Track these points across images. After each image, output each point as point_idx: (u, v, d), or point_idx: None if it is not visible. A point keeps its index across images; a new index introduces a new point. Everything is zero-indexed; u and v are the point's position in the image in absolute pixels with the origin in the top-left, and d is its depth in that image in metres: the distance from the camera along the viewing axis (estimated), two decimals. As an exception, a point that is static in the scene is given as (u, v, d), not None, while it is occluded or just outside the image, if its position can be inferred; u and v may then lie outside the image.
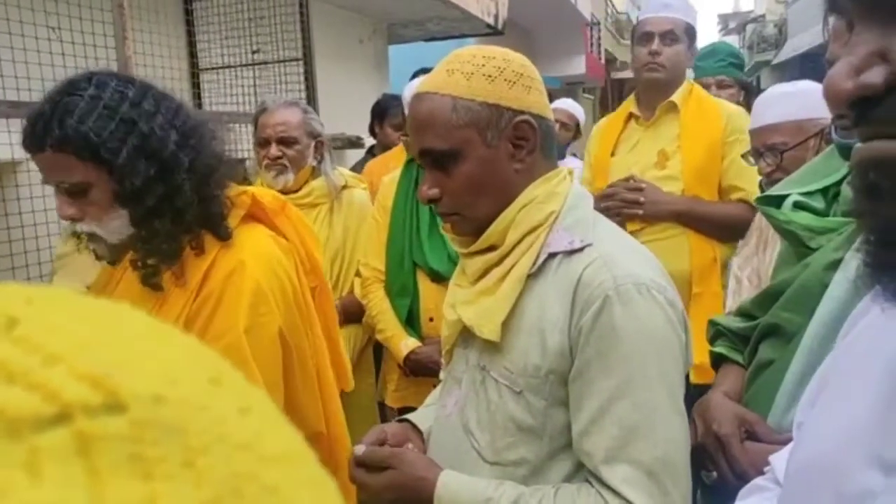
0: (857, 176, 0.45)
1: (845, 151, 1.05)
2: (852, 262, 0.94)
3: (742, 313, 1.23)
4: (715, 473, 1.04)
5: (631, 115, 2.35)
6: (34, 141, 1.10)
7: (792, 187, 1.17)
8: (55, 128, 1.07)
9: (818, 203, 1.13)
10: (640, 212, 2.13)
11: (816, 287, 1.00)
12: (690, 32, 2.30)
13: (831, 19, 1.02)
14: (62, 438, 0.15)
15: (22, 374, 0.16)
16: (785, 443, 0.95)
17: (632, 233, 2.11)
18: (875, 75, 0.42)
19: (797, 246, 1.11)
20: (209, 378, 0.20)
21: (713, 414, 1.06)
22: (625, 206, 2.15)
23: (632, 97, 2.40)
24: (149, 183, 1.11)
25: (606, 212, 2.15)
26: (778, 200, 1.17)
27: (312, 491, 0.20)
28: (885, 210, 0.43)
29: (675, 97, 2.25)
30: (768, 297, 1.13)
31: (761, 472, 0.93)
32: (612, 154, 2.33)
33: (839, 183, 1.12)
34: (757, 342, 1.13)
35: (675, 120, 2.26)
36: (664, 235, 2.13)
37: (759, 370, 1.11)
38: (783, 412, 1.00)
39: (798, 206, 1.14)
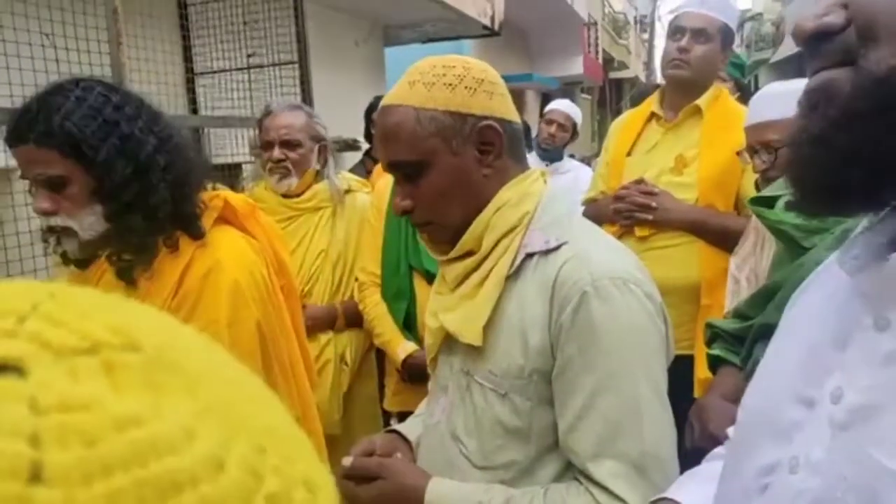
0: (804, 101, 0.52)
1: None
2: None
3: (737, 314, 1.23)
4: None
5: (653, 115, 2.26)
6: (19, 133, 1.16)
7: (784, 188, 1.17)
8: (41, 123, 1.13)
9: None
10: (651, 217, 2.07)
11: None
12: (726, 33, 2.19)
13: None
14: (93, 363, 0.22)
15: (64, 323, 0.23)
16: None
17: (641, 239, 2.08)
18: (835, 17, 0.51)
19: (791, 246, 1.11)
20: (200, 342, 0.28)
21: (709, 416, 1.06)
22: (636, 209, 2.09)
23: (655, 95, 2.32)
24: (125, 181, 1.17)
25: (617, 214, 2.12)
26: (770, 201, 1.17)
27: (265, 405, 0.28)
28: (814, 121, 0.51)
29: (701, 101, 2.16)
30: (762, 298, 1.13)
31: None
32: (629, 154, 2.26)
33: None
34: (752, 343, 1.13)
35: (697, 124, 2.17)
36: (674, 243, 2.08)
37: (756, 370, 1.10)
38: None
39: (789, 206, 1.13)
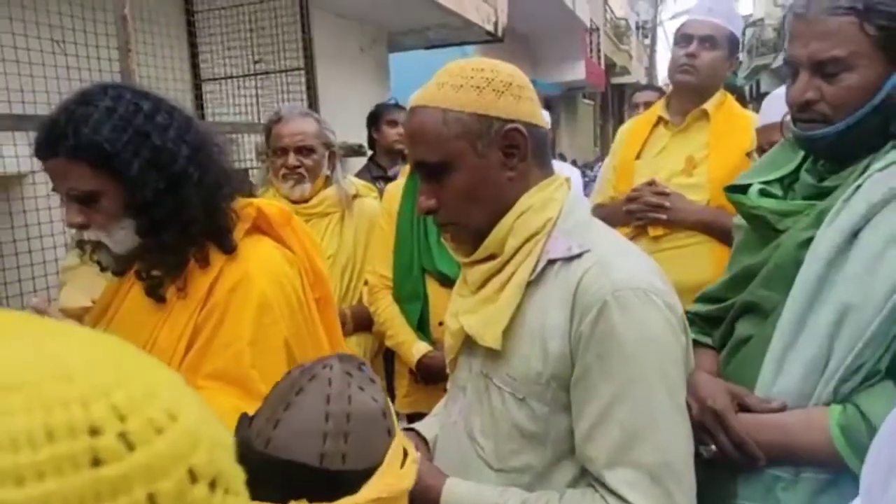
0: None
1: (803, 143, 1.13)
2: (822, 241, 1.01)
3: (706, 298, 1.29)
4: (713, 447, 1.06)
5: (660, 119, 2.31)
6: (48, 148, 1.11)
7: (753, 177, 1.25)
8: (70, 136, 1.08)
9: (777, 191, 1.21)
10: (665, 217, 2.10)
11: (791, 265, 1.06)
12: (733, 41, 2.24)
13: (786, 22, 1.06)
14: None
15: None
16: (773, 411, 1.03)
17: (654, 239, 2.10)
18: None
19: (764, 230, 1.16)
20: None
21: (705, 391, 1.08)
22: (649, 209, 2.12)
23: (661, 100, 2.37)
24: (159, 195, 1.12)
25: (630, 215, 2.14)
26: (742, 189, 1.24)
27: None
28: None
29: (708, 105, 2.21)
30: (741, 279, 1.18)
31: (758, 442, 1.01)
32: (638, 157, 2.29)
33: (794, 172, 1.20)
34: (733, 320, 1.18)
35: (705, 127, 2.22)
36: (687, 244, 2.10)
37: (738, 346, 1.15)
38: (769, 383, 1.05)
39: (761, 193, 1.21)
